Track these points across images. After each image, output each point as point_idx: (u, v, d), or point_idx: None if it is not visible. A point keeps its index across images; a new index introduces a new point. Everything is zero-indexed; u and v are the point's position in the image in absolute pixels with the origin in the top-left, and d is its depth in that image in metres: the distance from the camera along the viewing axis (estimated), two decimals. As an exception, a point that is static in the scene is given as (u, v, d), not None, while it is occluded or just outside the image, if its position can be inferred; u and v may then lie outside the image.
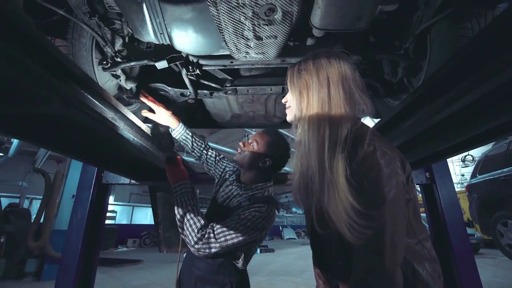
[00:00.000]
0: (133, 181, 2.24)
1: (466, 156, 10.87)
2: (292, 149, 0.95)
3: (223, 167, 1.33)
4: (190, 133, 1.33)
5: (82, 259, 2.00)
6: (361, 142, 0.60)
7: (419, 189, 2.35)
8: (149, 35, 0.96)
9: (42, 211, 5.57)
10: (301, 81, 0.69)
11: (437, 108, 0.91)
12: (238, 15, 0.84)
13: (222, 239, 0.93)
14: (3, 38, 0.54)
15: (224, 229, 0.94)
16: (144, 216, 17.24)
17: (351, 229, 0.56)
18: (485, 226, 4.69)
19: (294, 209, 22.79)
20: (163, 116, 1.27)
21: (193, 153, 1.36)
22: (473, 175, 5.22)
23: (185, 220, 0.98)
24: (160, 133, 1.00)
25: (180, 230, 1.00)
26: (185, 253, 1.19)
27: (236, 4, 0.80)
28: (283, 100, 0.81)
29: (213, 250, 0.93)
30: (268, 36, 0.95)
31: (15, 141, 8.14)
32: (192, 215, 0.98)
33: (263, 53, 1.04)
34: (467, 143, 1.23)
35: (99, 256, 2.22)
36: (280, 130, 1.45)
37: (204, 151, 1.36)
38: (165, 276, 6.09)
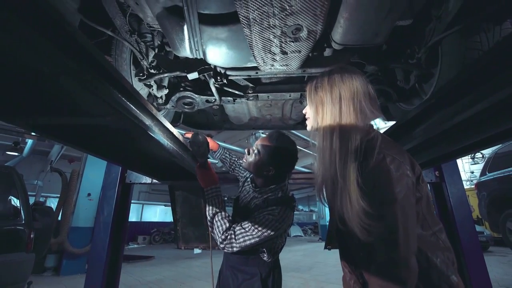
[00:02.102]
0: (154, 181, 2.35)
1: (476, 153, 10.77)
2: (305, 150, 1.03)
3: (242, 173, 1.46)
4: (227, 152, 1.56)
5: (110, 254, 2.13)
6: (372, 152, 0.68)
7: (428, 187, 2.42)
8: (185, 51, 1.07)
9: (59, 209, 5.80)
10: (317, 97, 0.78)
11: (448, 115, 1.00)
12: (268, 34, 0.94)
13: (241, 240, 1.03)
14: (71, 56, 0.63)
15: (242, 231, 1.04)
16: (153, 213, 17.58)
17: (363, 229, 0.65)
18: (494, 223, 4.71)
19: (300, 207, 22.86)
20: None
21: (230, 168, 1.56)
22: (483, 173, 5.22)
23: (214, 221, 1.08)
24: (200, 141, 1.11)
25: (210, 228, 1.12)
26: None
27: (267, 26, 0.90)
28: (304, 111, 0.88)
29: (234, 249, 1.04)
30: (293, 51, 1.05)
31: (29, 141, 8.42)
32: (220, 217, 1.09)
33: (287, 65, 1.14)
34: (477, 144, 1.30)
35: (124, 250, 2.37)
36: (294, 131, 1.55)
37: (235, 162, 1.55)
38: (178, 271, 6.28)
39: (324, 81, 0.77)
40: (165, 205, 17.90)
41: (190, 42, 1.01)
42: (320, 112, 0.76)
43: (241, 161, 1.45)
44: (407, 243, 0.63)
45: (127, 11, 1.08)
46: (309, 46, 1.02)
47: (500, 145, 5.16)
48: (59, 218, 5.68)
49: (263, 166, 1.14)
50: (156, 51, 1.31)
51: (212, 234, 1.12)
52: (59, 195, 5.99)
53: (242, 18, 0.86)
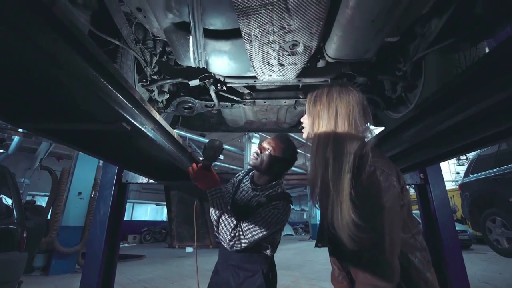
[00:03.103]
0: (150, 180, 2.39)
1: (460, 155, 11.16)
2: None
3: (231, 180, 1.46)
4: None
5: (106, 252, 2.17)
6: (364, 167, 0.73)
7: (413, 189, 2.55)
8: (189, 61, 1.14)
9: (49, 208, 5.72)
10: (315, 110, 0.82)
11: (431, 124, 1.10)
12: (267, 48, 1.02)
13: (249, 235, 1.09)
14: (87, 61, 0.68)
15: (250, 227, 1.10)
16: (144, 212, 17.41)
17: (351, 240, 0.69)
18: (475, 222, 4.95)
19: (292, 206, 23.04)
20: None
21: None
22: (466, 174, 5.46)
23: (221, 220, 1.11)
24: (216, 146, 1.17)
25: (215, 229, 1.15)
26: (220, 247, 1.33)
27: (267, 41, 0.98)
28: (302, 119, 0.94)
29: (243, 245, 1.09)
30: (290, 63, 1.13)
31: (15, 138, 8.21)
32: (226, 217, 1.12)
33: (283, 75, 1.22)
34: (457, 150, 1.42)
35: (119, 249, 2.40)
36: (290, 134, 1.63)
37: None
38: (169, 270, 6.29)
39: (323, 96, 0.81)
40: (156, 204, 17.75)
41: (194, 53, 1.07)
42: (316, 125, 0.81)
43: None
44: (392, 247, 0.71)
45: (133, 21, 1.13)
46: (305, 59, 1.11)
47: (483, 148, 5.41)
48: (49, 217, 5.60)
49: (276, 161, 1.23)
50: (158, 57, 1.37)
51: (217, 234, 1.15)
52: (47, 194, 5.90)
53: (245, 34, 0.93)
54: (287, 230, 19.09)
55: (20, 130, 6.59)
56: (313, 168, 0.82)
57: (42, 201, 6.02)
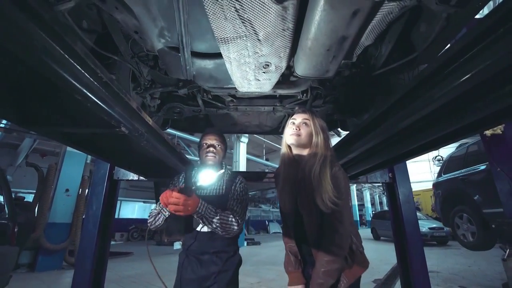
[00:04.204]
0: (141, 178, 2.53)
1: (436, 156, 11.78)
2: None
3: (171, 186, 1.46)
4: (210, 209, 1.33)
5: (98, 247, 2.30)
6: (333, 164, 1.14)
7: (382, 187, 2.80)
8: (178, 75, 1.32)
9: (35, 205, 5.72)
10: (316, 125, 1.21)
11: (378, 134, 1.33)
12: (245, 67, 1.22)
13: (243, 213, 1.30)
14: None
15: (240, 206, 1.30)
16: (132, 210, 17.28)
17: (329, 204, 1.03)
18: (446, 219, 5.34)
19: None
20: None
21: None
22: (439, 174, 5.86)
23: (220, 224, 1.22)
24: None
25: (224, 234, 1.24)
26: (194, 241, 1.35)
27: (244, 62, 1.18)
28: (305, 126, 1.23)
29: (243, 224, 1.30)
30: (264, 79, 1.33)
31: (-4, 134, 8.02)
32: (219, 215, 1.23)
33: (260, 87, 1.43)
34: (413, 152, 1.64)
35: (110, 244, 2.53)
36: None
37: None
38: (157, 266, 6.36)
39: (318, 117, 1.25)
40: (143, 202, 17.65)
41: (183, 69, 1.26)
42: (319, 135, 1.19)
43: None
44: (349, 222, 1.07)
45: (130, 38, 1.31)
46: (277, 76, 1.32)
47: (454, 149, 5.83)
48: (35, 213, 5.60)
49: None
50: (151, 68, 1.54)
51: (227, 235, 1.26)
52: (32, 191, 5.87)
53: (225, 57, 1.13)
54: (275, 228, 19.41)
55: (1, 125, 6.49)
56: (307, 165, 1.16)
57: (27, 199, 5.96)
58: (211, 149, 1.41)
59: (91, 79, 0.81)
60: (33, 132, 1.08)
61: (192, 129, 2.46)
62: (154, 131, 1.37)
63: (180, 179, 1.50)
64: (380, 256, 7.29)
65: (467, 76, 0.74)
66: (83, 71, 0.76)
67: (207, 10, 0.87)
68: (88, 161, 6.93)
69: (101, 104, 0.93)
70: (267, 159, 14.84)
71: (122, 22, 1.08)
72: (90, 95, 0.86)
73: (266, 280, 4.70)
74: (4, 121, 6.54)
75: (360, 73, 1.49)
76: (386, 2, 0.87)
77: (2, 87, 0.84)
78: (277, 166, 1.55)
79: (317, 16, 0.90)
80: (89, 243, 2.28)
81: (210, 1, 0.84)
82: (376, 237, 12.27)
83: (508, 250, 2.61)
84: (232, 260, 1.34)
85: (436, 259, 6.41)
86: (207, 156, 1.40)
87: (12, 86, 0.88)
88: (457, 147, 5.80)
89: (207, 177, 1.28)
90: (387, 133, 1.35)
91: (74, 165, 6.50)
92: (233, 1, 0.84)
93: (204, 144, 1.44)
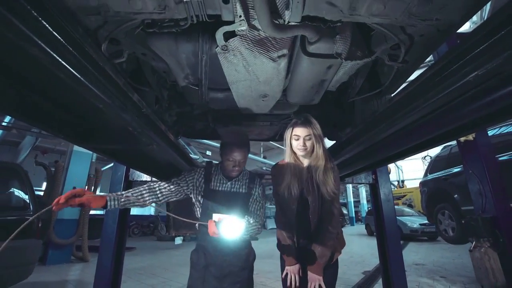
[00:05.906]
0: (153, 178, 2.84)
1: (425, 156, 12.20)
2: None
3: (190, 178, 1.57)
4: (123, 194, 1.36)
5: (117, 240, 2.63)
6: (331, 161, 1.45)
7: (366, 187, 3.16)
8: (195, 100, 1.67)
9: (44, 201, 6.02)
10: (316, 136, 1.42)
11: (357, 145, 1.69)
12: (249, 98, 1.57)
13: (261, 214, 1.50)
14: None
15: (259, 205, 1.52)
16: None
17: (331, 193, 1.37)
18: (430, 215, 5.76)
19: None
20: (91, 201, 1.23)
21: (147, 203, 1.43)
22: (425, 174, 6.25)
23: (254, 234, 1.46)
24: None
25: (253, 235, 1.46)
26: (214, 242, 1.45)
27: (248, 94, 1.53)
28: (308, 136, 1.42)
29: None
30: (263, 104, 1.69)
31: (-4, 131, 8.21)
32: (251, 221, 1.43)
33: (261, 109, 1.78)
34: (392, 158, 1.98)
35: (126, 239, 2.86)
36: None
37: (153, 193, 1.47)
38: (160, 259, 6.75)
39: (318, 127, 1.45)
40: (143, 199, 17.87)
41: (199, 98, 1.61)
42: (319, 143, 1.43)
43: (165, 184, 1.57)
44: (339, 208, 1.44)
45: (155, 73, 1.64)
46: (274, 102, 1.67)
47: (440, 150, 6.21)
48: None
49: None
50: (171, 92, 1.87)
51: (250, 235, 1.45)
52: (36, 188, 6.13)
53: (234, 92, 1.48)
54: (273, 224, 19.82)
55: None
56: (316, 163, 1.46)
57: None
58: (237, 164, 1.46)
59: (136, 112, 1.15)
60: (86, 148, 1.31)
61: (201, 137, 2.80)
62: (175, 146, 1.72)
63: (199, 177, 1.56)
64: (372, 250, 7.67)
65: (413, 113, 1.09)
66: (132, 108, 1.10)
67: (223, 66, 1.22)
68: (94, 160, 7.23)
69: (145, 131, 1.27)
70: (264, 157, 15.20)
71: (155, 66, 1.42)
72: (137, 127, 1.21)
73: (264, 272, 5.05)
74: (6, 120, 6.79)
75: (340, 99, 1.84)
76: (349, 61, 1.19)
77: (80, 124, 1.18)
78: (273, 163, 1.81)
79: (301, 68, 1.25)
80: (110, 237, 2.61)
81: (225, 62, 1.18)
82: (370, 233, 12.73)
83: (474, 242, 3.00)
84: (250, 254, 1.57)
85: (424, 253, 6.78)
86: (233, 172, 1.48)
87: (79, 118, 1.22)
88: (442, 149, 6.18)
89: (231, 229, 1.26)
90: (365, 144, 1.69)
91: (81, 164, 6.79)
92: (242, 61, 1.19)
93: (231, 159, 1.44)
